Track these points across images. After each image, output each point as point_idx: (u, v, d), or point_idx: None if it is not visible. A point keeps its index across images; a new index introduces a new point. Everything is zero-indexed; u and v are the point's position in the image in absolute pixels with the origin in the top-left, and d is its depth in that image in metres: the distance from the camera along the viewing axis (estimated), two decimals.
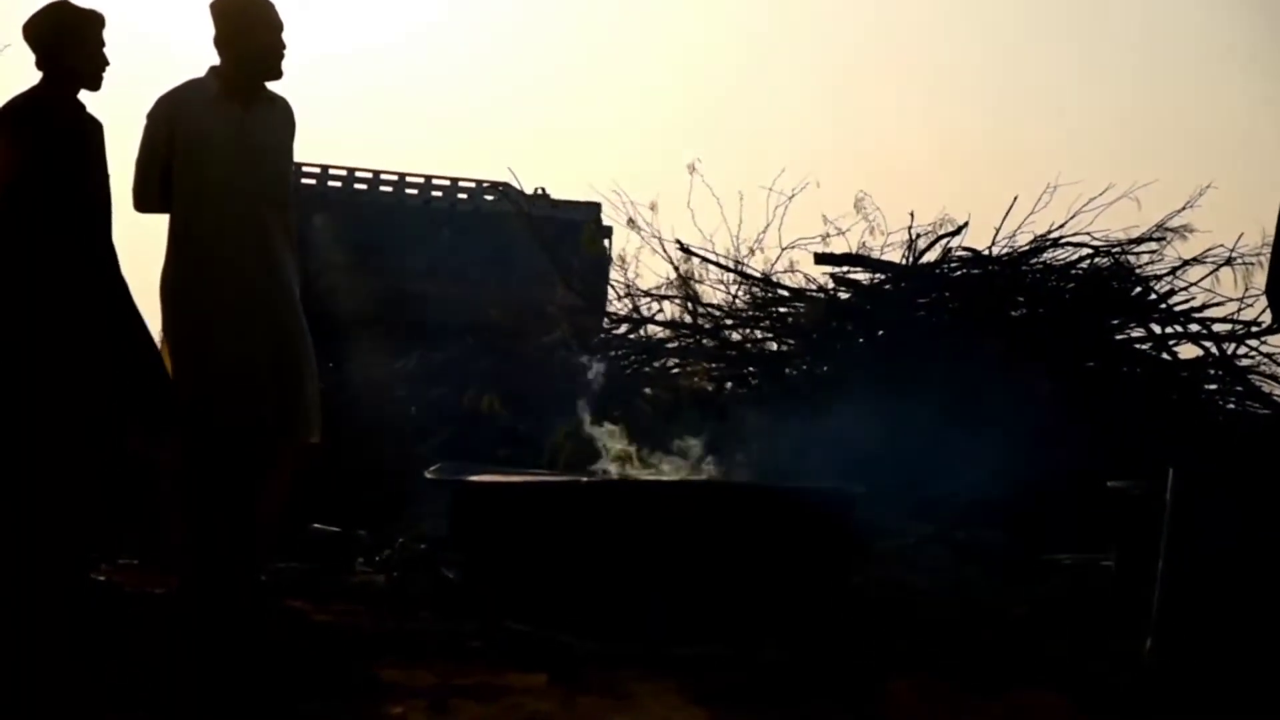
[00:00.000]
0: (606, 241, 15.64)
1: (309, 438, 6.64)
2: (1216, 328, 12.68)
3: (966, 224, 13.01)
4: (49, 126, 6.34)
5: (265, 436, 6.52)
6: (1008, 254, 12.93)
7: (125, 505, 7.58)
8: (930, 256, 13.07)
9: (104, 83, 6.49)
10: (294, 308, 6.63)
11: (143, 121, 6.63)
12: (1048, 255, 12.95)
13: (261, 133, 6.59)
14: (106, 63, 6.46)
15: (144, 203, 6.65)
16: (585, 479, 7.58)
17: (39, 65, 6.44)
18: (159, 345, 6.65)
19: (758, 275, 13.28)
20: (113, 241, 6.50)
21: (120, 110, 6.89)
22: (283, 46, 6.63)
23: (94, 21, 6.46)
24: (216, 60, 6.64)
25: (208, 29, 6.65)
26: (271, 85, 6.70)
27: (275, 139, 6.66)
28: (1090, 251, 12.88)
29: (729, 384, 13.19)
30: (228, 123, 6.54)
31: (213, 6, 6.59)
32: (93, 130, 6.48)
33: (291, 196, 6.76)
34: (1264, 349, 12.62)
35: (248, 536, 6.45)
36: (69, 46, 6.38)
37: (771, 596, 6.61)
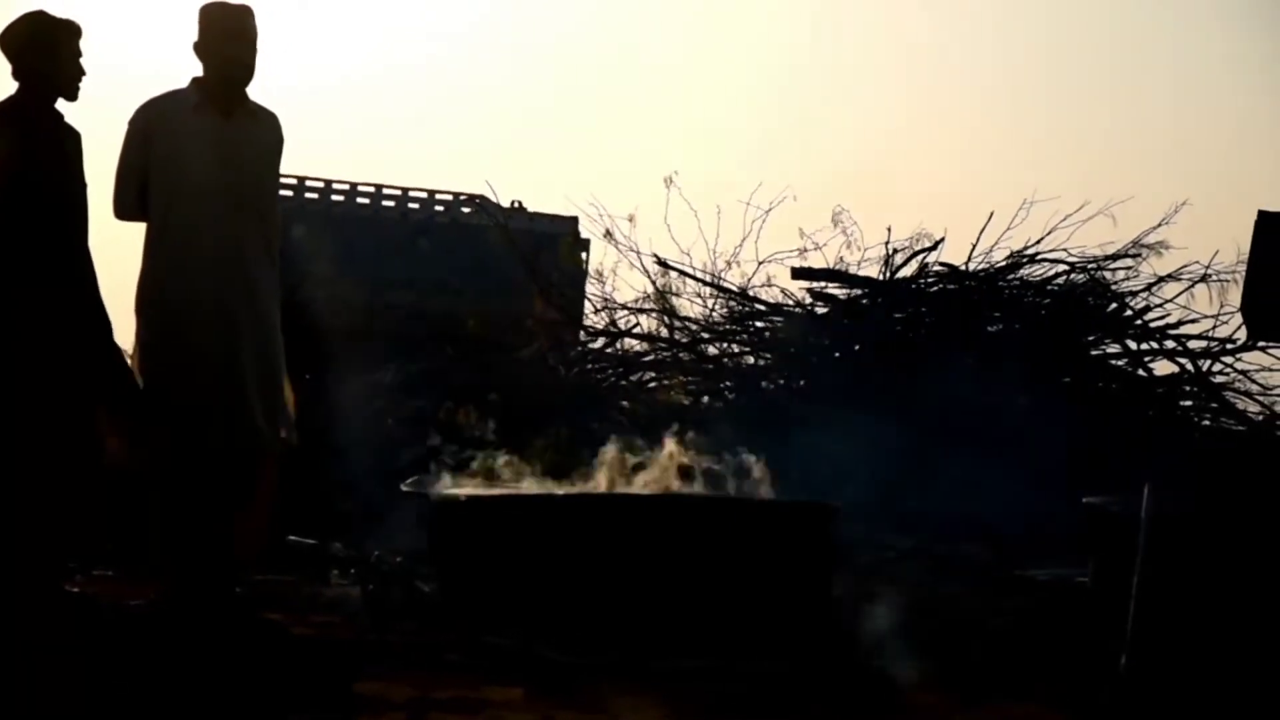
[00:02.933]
0: (584, 254, 15.64)
1: (285, 443, 6.63)
2: (1192, 344, 12.74)
3: (943, 239, 13.07)
4: (25, 135, 6.32)
5: (237, 445, 6.50)
6: (984, 270, 12.98)
7: (102, 515, 7.55)
8: (907, 271, 13.11)
9: (80, 92, 6.47)
10: (267, 317, 6.60)
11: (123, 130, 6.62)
12: (1024, 271, 13.01)
13: (241, 144, 6.57)
14: (83, 72, 6.43)
15: (122, 211, 6.64)
16: (563, 492, 7.57)
17: (15, 75, 6.42)
18: (130, 354, 6.64)
19: (735, 289, 13.30)
20: (89, 250, 6.48)
21: (103, 119, 6.88)
22: (252, 60, 6.59)
23: (70, 31, 6.43)
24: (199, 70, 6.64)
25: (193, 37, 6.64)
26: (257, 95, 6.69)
27: (256, 151, 6.63)
28: (1066, 268, 12.94)
29: (705, 398, 13.20)
30: (205, 132, 6.52)
31: (199, 11, 6.59)
32: (70, 139, 6.46)
33: (273, 208, 6.74)
34: (1239, 366, 12.70)
35: (226, 546, 6.43)
36: (44, 56, 6.36)
37: (751, 609, 6.61)
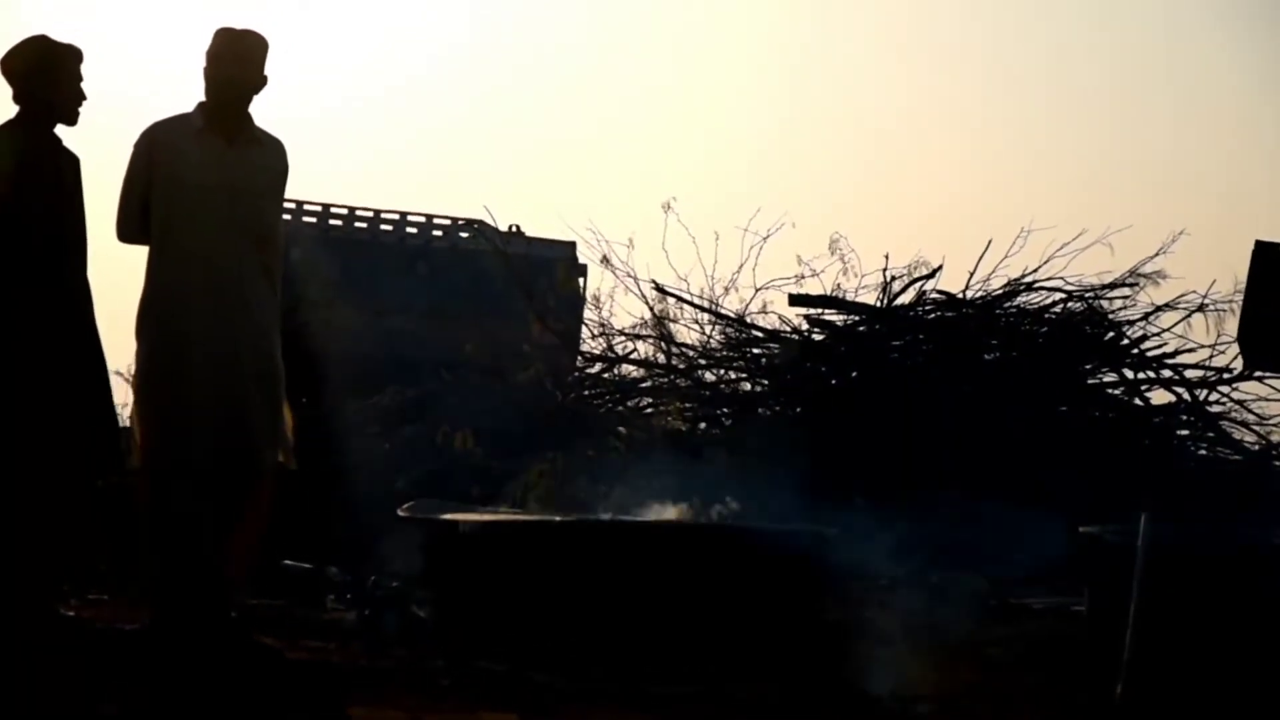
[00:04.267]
0: (581, 280, 15.65)
1: (282, 467, 6.63)
2: (1189, 374, 12.75)
3: (941, 267, 13.07)
4: (23, 159, 6.34)
5: (235, 468, 6.50)
6: (982, 297, 12.98)
7: (96, 539, 7.55)
8: (905, 299, 13.11)
9: (80, 117, 6.49)
10: (266, 342, 6.60)
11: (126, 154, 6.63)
12: (1021, 299, 13.02)
13: (244, 169, 6.57)
14: (83, 97, 6.45)
15: (125, 233, 6.65)
16: (558, 518, 7.57)
17: (15, 99, 6.44)
18: (129, 378, 6.65)
19: (732, 315, 13.30)
20: (87, 275, 6.49)
21: (103, 143, 6.88)
22: (250, 84, 6.59)
23: (71, 56, 6.46)
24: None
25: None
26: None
27: (259, 177, 6.63)
28: (1064, 296, 12.95)
29: (702, 424, 13.20)
30: (207, 157, 6.52)
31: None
32: (68, 164, 6.47)
33: (276, 235, 6.73)
34: (1235, 395, 12.71)
35: (220, 569, 6.43)
36: (46, 80, 6.38)
37: (745, 635, 6.61)
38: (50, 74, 6.39)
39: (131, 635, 6.39)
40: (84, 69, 6.48)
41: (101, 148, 6.91)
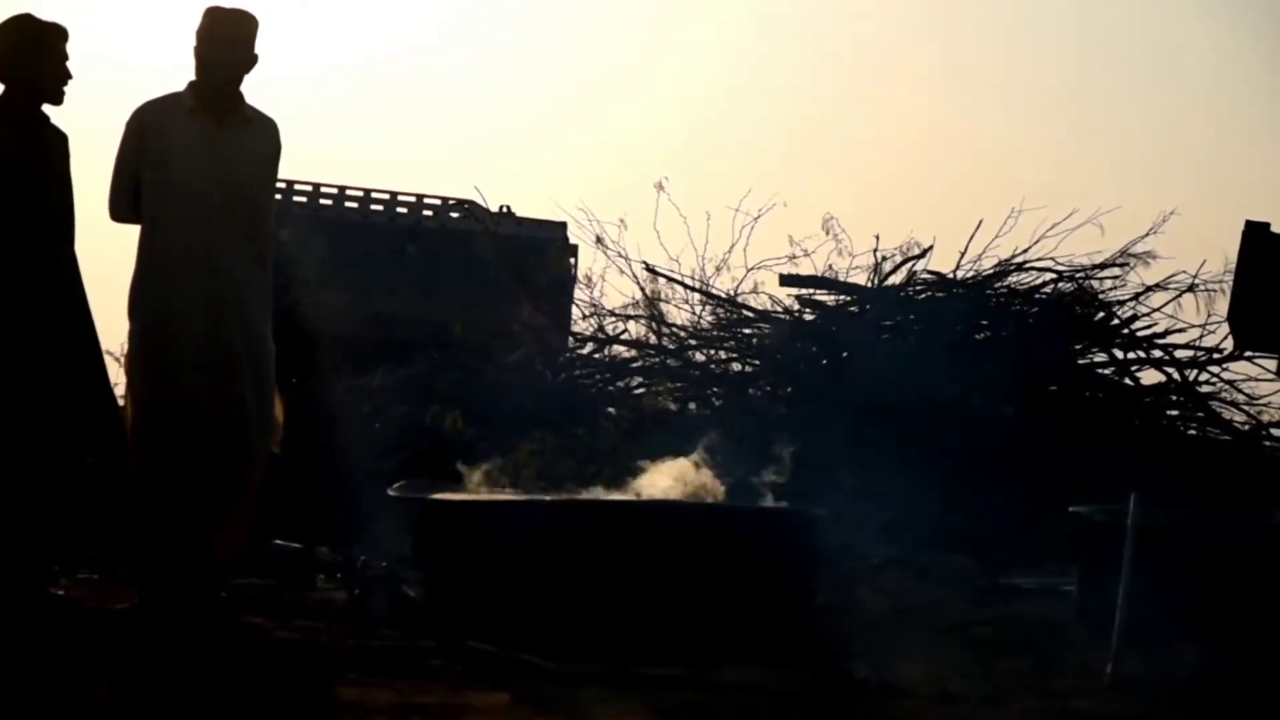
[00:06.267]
0: (572, 260, 15.63)
1: (267, 450, 6.63)
2: (1179, 354, 12.75)
3: (932, 247, 13.07)
4: (9, 138, 6.32)
5: (227, 450, 6.49)
6: (972, 278, 12.98)
7: (85, 519, 7.54)
8: (895, 279, 13.11)
9: (65, 96, 6.47)
10: (256, 324, 6.59)
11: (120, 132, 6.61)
12: (1012, 279, 13.01)
13: (233, 151, 6.55)
14: (69, 76, 6.43)
15: (116, 213, 6.64)
16: (548, 497, 7.55)
17: (1, 79, 6.41)
18: (120, 358, 6.65)
19: (723, 296, 13.29)
20: (74, 253, 6.47)
21: (96, 119, 6.86)
22: (237, 65, 6.56)
23: (57, 34, 6.43)
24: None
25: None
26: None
27: (248, 158, 6.61)
28: (1054, 276, 12.94)
29: (692, 404, 13.19)
30: (197, 138, 6.51)
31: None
32: (55, 142, 6.45)
33: (266, 216, 6.72)
34: (1225, 375, 12.71)
35: (209, 550, 6.43)
36: (31, 60, 6.36)
37: (735, 616, 6.60)
38: (35, 53, 6.36)
39: (120, 615, 6.39)
40: (70, 47, 6.46)
41: (94, 123, 6.89)
